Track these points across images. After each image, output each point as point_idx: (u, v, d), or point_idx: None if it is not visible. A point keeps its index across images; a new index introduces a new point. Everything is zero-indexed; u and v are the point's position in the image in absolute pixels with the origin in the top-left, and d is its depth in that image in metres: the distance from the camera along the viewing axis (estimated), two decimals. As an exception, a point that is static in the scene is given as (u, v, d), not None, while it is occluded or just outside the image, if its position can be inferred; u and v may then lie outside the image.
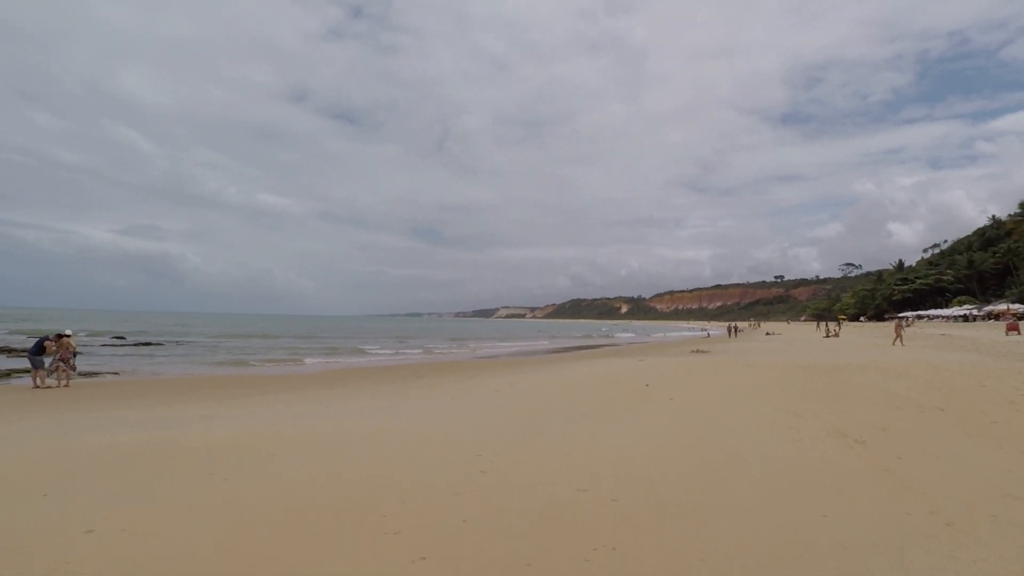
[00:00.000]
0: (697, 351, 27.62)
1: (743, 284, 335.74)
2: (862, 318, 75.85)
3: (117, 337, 41.49)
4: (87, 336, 40.91)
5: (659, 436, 6.77)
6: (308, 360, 26.16)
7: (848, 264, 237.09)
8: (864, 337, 42.04)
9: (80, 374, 18.14)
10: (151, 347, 34.16)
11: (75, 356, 15.37)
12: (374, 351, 34.69)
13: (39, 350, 14.58)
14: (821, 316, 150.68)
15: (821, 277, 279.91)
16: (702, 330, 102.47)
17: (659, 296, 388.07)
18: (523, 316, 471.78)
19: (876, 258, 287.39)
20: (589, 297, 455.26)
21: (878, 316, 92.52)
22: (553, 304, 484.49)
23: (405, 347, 39.34)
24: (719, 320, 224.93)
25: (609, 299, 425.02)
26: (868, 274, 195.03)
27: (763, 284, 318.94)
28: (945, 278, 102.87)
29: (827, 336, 43.60)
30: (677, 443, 6.38)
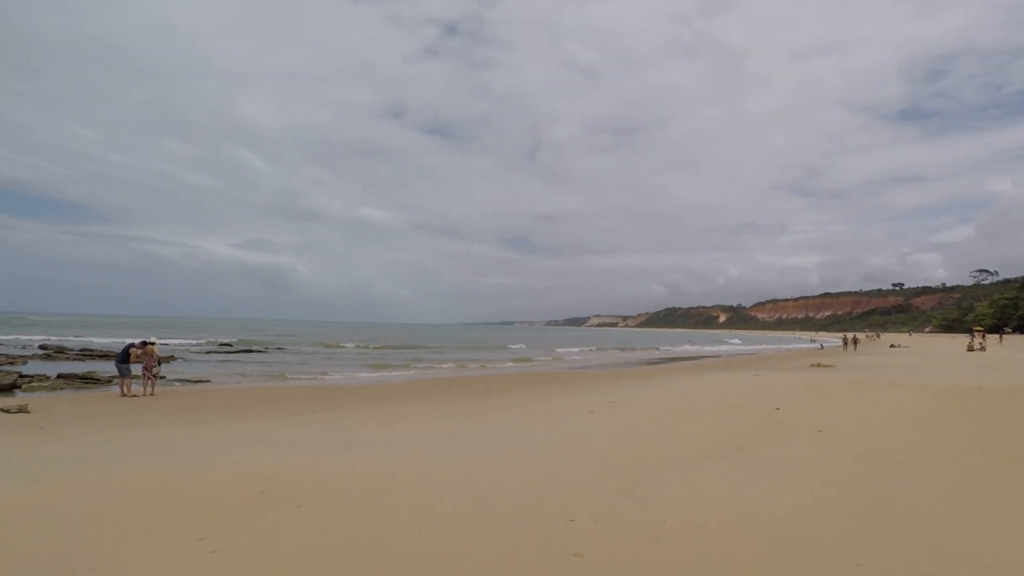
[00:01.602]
0: (818, 365, 24.26)
1: (856, 292, 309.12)
2: (1007, 329, 66.30)
3: (224, 344, 43.48)
4: (197, 342, 43.10)
5: (828, 495, 4.75)
6: (388, 372, 25.52)
7: (981, 271, 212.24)
8: (1013, 351, 36.03)
9: (177, 380, 18.44)
10: (252, 354, 35.41)
11: (160, 364, 15.23)
12: (461, 359, 33.88)
13: (125, 357, 14.51)
14: (950, 327, 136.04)
15: (948, 285, 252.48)
16: (812, 341, 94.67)
17: (760, 305, 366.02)
18: (615, 324, 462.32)
19: (1014, 264, 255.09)
20: (684, 306, 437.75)
21: (1022, 328, 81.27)
22: (647, 312, 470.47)
23: (492, 355, 38.25)
24: (828, 331, 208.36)
25: (706, 308, 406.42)
26: (1007, 281, 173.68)
27: (879, 292, 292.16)
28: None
29: (970, 350, 37.82)
30: (861, 509, 4.35)
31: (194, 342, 42.31)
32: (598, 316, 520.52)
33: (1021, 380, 16.08)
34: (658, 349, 53.92)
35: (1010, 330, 60.17)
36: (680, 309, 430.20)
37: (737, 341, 66.39)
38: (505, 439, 7.29)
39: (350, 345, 47.99)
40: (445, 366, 28.82)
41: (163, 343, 40.79)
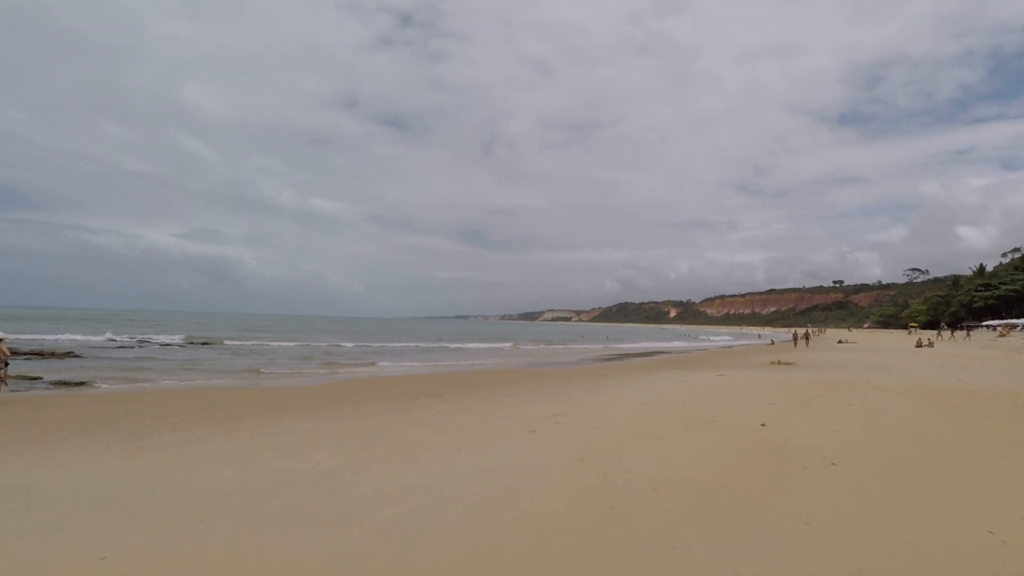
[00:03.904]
0: (779, 363, 23.01)
1: (799, 289, 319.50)
2: (944, 326, 68.22)
3: (143, 340, 39.52)
4: (117, 338, 39.22)
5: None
6: (312, 373, 22.89)
7: (914, 269, 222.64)
8: (962, 348, 36.13)
9: (53, 383, 15.46)
10: (171, 348, 32.10)
11: (7, 364, 12.31)
12: (404, 351, 31.42)
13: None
14: (887, 323, 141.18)
15: (884, 283, 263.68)
16: (758, 336, 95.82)
17: (709, 300, 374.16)
18: (569, 319, 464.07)
19: (944, 264, 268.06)
20: (637, 301, 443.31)
21: (953, 324, 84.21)
22: (600, 307, 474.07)
23: (437, 352, 35.89)
24: (773, 326, 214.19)
25: (657, 303, 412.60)
26: (937, 280, 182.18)
27: (821, 289, 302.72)
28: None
29: (919, 346, 37.80)
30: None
31: (115, 338, 38.33)
32: (552, 311, 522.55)
33: (997, 380, 14.99)
34: (613, 344, 52.57)
35: (951, 329, 61.60)
36: (632, 304, 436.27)
37: (685, 343, 65.99)
38: (406, 479, 5.06)
39: (290, 337, 44.64)
40: (374, 367, 26.34)
41: (82, 338, 37.02)
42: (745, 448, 6.35)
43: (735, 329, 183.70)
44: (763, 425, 7.72)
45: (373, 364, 25.71)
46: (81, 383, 15.69)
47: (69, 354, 25.57)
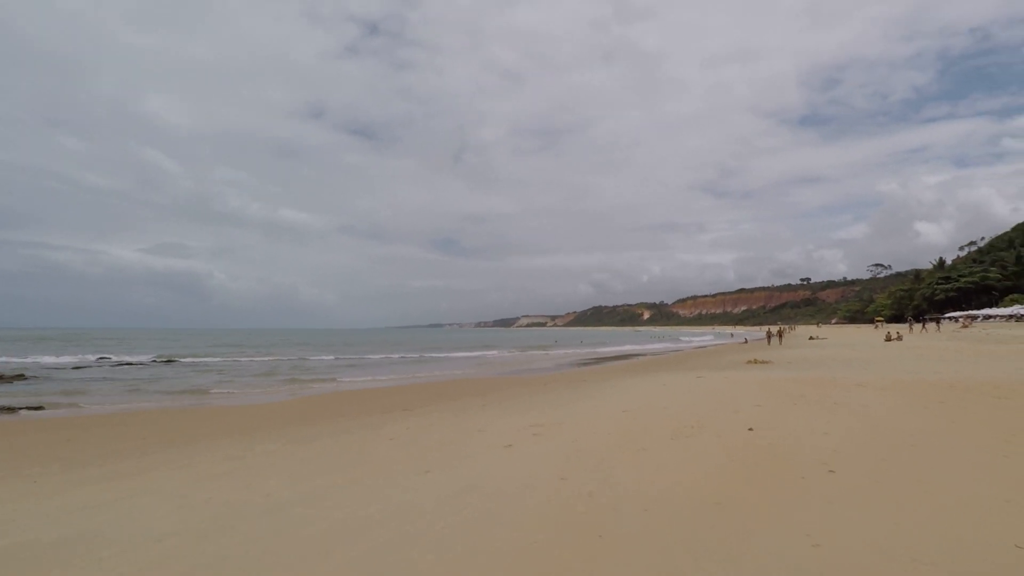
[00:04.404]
0: (755, 361, 22.91)
1: (768, 287, 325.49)
2: (911, 319, 69.76)
3: (102, 358, 37.81)
4: (71, 359, 37.48)
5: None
6: (288, 386, 22.05)
7: (877, 265, 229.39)
8: (929, 340, 36.73)
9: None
10: (132, 367, 30.64)
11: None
12: (377, 363, 30.56)
13: None
14: (854, 318, 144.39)
15: (849, 279, 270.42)
16: (730, 335, 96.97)
17: (682, 301, 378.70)
18: (544, 324, 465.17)
19: (905, 258, 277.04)
20: (610, 304, 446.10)
21: (917, 317, 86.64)
22: (574, 312, 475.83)
23: (412, 363, 35.09)
24: (745, 324, 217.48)
25: (631, 306, 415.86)
26: (899, 274, 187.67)
27: (789, 287, 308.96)
28: (992, 276, 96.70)
29: (888, 340, 38.34)
30: None
31: (70, 359, 36.54)
32: (527, 316, 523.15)
33: (971, 371, 14.99)
34: (589, 348, 52.34)
35: (919, 322, 62.90)
36: (606, 307, 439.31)
37: (664, 344, 66.33)
38: (358, 518, 4.48)
39: (255, 351, 43.20)
40: (331, 383, 25.53)
41: (39, 359, 35.18)
42: (736, 456, 5.93)
43: (708, 329, 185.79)
44: (751, 429, 7.32)
45: (342, 378, 24.84)
46: (20, 408, 14.63)
47: (19, 376, 24.22)
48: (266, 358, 38.52)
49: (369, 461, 6.56)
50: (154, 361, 35.31)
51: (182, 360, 35.92)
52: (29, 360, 34.63)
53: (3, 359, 34.75)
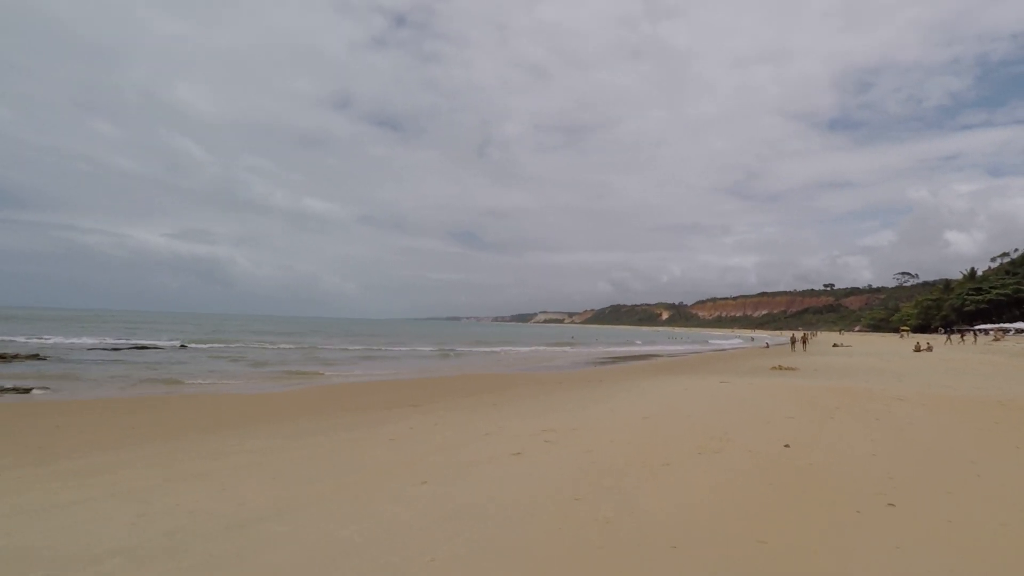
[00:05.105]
0: (780, 368, 21.95)
1: (790, 292, 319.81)
2: (941, 329, 67.38)
3: (120, 340, 37.96)
4: (92, 340, 37.74)
5: None
6: (295, 375, 21.64)
7: (903, 273, 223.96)
8: (961, 352, 35.28)
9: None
10: (148, 351, 30.47)
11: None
12: (391, 355, 30.11)
13: None
14: (878, 327, 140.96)
15: (874, 286, 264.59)
16: (751, 339, 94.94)
17: (701, 303, 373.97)
18: (562, 321, 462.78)
19: (933, 268, 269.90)
20: (629, 303, 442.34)
21: (945, 328, 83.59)
22: (592, 309, 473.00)
23: (426, 356, 34.62)
24: (765, 328, 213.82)
25: (650, 305, 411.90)
26: (926, 284, 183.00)
27: (812, 292, 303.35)
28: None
29: (917, 350, 36.96)
30: None
31: (91, 340, 36.66)
32: (545, 312, 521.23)
33: (1016, 389, 13.99)
34: (606, 347, 51.47)
35: (947, 332, 60.85)
36: (625, 306, 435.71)
37: (684, 346, 65.10)
38: (333, 541, 3.86)
39: (269, 341, 43.10)
40: (342, 373, 25.07)
41: (61, 340, 35.41)
42: (774, 479, 5.20)
43: (728, 331, 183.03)
44: (787, 446, 6.58)
45: (354, 369, 24.37)
46: (24, 390, 14.32)
47: (34, 356, 24.17)
48: (282, 346, 38.34)
49: (362, 466, 5.95)
50: (171, 345, 35.29)
51: (199, 346, 35.84)
52: (50, 341, 34.81)
53: (23, 339, 35.03)
